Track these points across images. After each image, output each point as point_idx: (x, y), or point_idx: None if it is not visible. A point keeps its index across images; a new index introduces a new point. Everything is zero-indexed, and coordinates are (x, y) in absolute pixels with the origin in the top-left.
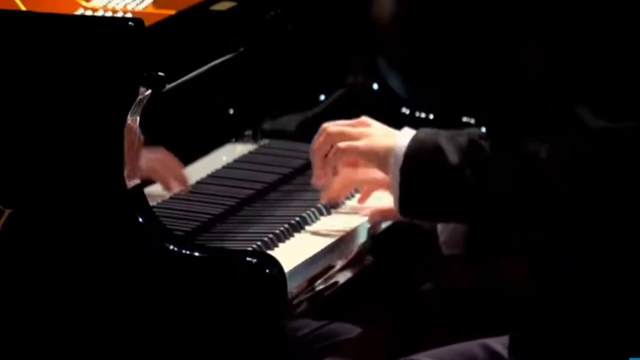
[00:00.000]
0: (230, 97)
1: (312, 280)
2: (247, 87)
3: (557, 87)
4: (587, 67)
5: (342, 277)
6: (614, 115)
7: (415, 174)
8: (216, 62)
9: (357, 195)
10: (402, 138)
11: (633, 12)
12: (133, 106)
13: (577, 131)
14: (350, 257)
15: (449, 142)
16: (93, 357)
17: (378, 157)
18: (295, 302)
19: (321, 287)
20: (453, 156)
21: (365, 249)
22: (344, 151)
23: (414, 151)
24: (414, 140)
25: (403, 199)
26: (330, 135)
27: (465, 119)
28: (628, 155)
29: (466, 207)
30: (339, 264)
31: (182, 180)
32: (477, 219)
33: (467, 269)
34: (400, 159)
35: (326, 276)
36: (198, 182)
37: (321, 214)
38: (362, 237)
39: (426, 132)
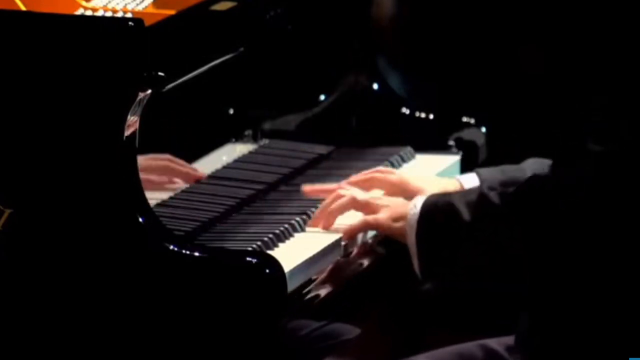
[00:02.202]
0: (230, 97)
1: (312, 280)
2: (247, 87)
3: (555, 89)
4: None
5: (342, 277)
6: (614, 137)
7: (431, 235)
8: (216, 62)
9: None
10: (414, 207)
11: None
12: (133, 106)
13: (581, 158)
14: (350, 257)
15: (461, 201)
16: (93, 357)
17: (395, 228)
18: (295, 302)
19: (321, 287)
20: (466, 213)
21: (365, 249)
22: (369, 225)
23: (427, 214)
24: (425, 204)
25: (422, 262)
26: (355, 201)
27: (465, 119)
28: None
29: (485, 261)
30: (339, 264)
31: (191, 175)
32: (498, 271)
33: None
34: (415, 226)
35: (326, 276)
36: (198, 182)
37: None
38: (362, 237)
39: (437, 194)
